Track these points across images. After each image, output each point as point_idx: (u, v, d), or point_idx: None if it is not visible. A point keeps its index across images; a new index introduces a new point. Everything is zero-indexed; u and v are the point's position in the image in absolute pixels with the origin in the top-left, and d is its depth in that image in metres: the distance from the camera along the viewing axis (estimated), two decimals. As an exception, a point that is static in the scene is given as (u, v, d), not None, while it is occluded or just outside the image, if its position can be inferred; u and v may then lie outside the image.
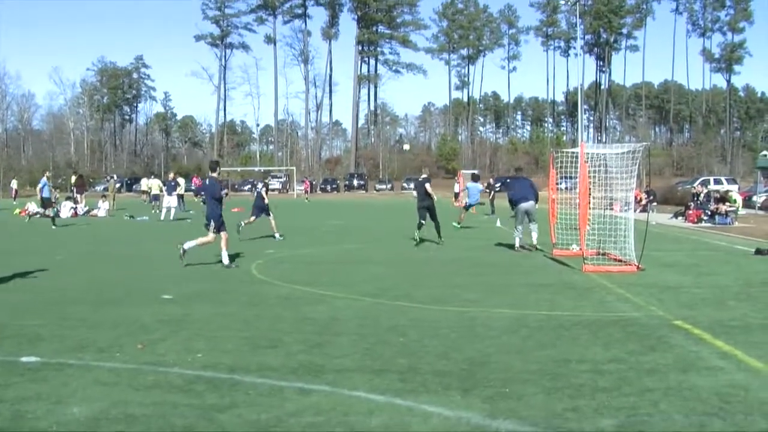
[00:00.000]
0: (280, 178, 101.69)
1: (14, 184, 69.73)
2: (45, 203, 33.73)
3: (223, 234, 17.51)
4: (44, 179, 33.94)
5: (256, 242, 23.42)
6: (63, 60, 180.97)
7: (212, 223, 17.54)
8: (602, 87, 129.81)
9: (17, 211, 42.84)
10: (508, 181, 21.14)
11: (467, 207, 31.45)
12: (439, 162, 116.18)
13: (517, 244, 20.69)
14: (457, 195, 54.51)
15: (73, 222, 34.85)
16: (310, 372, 7.66)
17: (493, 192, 45.40)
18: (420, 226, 22.86)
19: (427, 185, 22.93)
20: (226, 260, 17.34)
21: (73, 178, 48.91)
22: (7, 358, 8.23)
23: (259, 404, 6.58)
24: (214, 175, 18.17)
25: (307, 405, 6.58)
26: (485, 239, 24.87)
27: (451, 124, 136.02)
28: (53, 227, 29.83)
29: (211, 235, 17.55)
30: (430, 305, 11.88)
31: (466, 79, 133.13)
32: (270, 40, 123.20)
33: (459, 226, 29.31)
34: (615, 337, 9.39)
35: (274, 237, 24.07)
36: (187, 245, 17.37)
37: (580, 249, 18.02)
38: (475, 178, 34.90)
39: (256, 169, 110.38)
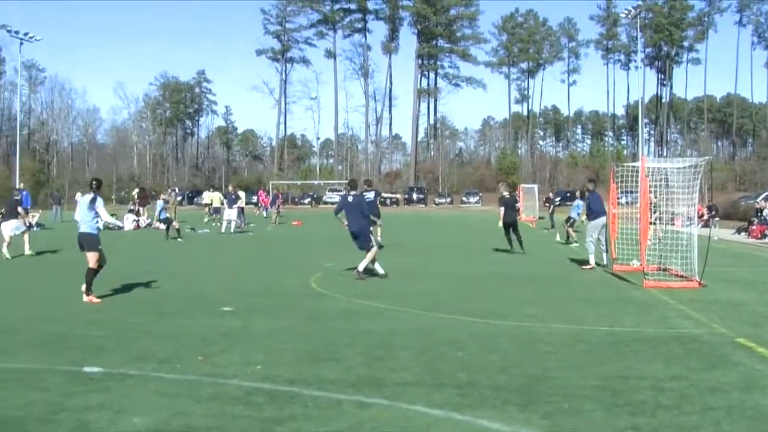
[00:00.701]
0: (340, 191, 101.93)
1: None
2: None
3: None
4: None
5: (316, 255, 23.51)
6: (127, 75, 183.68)
7: (371, 238, 17.91)
8: (663, 100, 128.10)
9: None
10: (588, 194, 20.47)
11: (570, 221, 30.89)
12: (499, 176, 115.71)
13: (592, 262, 20.04)
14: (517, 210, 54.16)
15: (135, 234, 35.31)
16: (369, 385, 7.66)
17: (552, 206, 45.10)
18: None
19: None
20: (374, 268, 17.75)
21: (136, 191, 49.53)
22: (71, 367, 8.35)
23: (318, 417, 6.59)
24: (354, 192, 18.40)
25: (365, 418, 6.57)
26: (544, 253, 24.69)
27: (510, 138, 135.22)
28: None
29: (374, 249, 17.79)
30: (488, 319, 11.81)
31: (525, 92, 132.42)
32: (330, 54, 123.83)
33: (566, 241, 29.30)
34: (676, 354, 9.26)
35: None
36: (361, 267, 17.47)
37: (641, 264, 17.78)
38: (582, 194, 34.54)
39: (316, 182, 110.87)
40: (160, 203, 34.95)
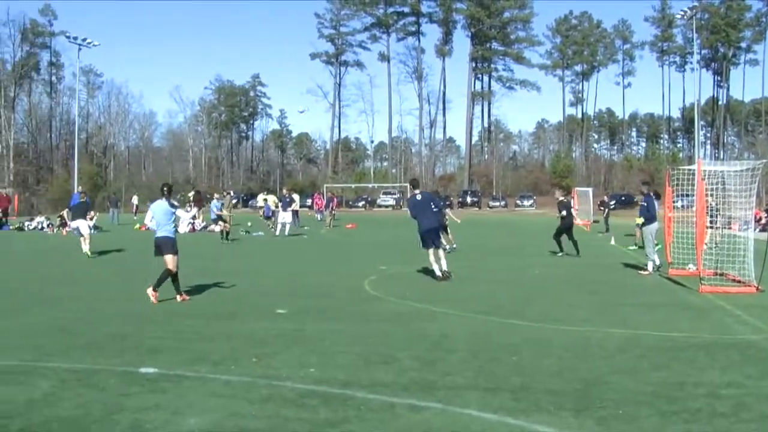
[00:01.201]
0: (394, 194, 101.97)
1: (135, 199, 71.59)
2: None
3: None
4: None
5: (370, 258, 23.56)
6: (183, 79, 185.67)
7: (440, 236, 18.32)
8: (720, 102, 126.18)
9: (137, 226, 44.05)
10: (644, 197, 20.12)
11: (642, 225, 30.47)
12: (553, 179, 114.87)
13: (650, 268, 19.58)
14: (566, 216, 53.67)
15: (190, 237, 35.64)
16: (422, 389, 7.65)
17: (607, 210, 44.68)
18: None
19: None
20: (439, 270, 17.75)
21: (192, 194, 50.01)
22: (128, 368, 8.46)
23: (371, 420, 6.60)
24: (417, 191, 18.43)
25: (418, 421, 6.57)
26: (598, 257, 24.48)
27: (565, 141, 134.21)
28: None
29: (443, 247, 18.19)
30: (542, 323, 11.74)
31: (580, 95, 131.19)
32: (384, 57, 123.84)
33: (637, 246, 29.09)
34: (733, 360, 9.12)
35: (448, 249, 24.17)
36: (444, 267, 17.72)
37: (697, 269, 17.54)
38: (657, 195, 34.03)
39: (370, 185, 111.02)
40: (215, 203, 35.27)
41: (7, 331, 10.84)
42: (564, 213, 24.83)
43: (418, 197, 18.19)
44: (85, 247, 25.00)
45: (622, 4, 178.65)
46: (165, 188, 14.76)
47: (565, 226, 24.81)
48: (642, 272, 19.52)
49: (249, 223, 43.56)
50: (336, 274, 19.07)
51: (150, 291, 13.92)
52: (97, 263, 22.34)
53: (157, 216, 14.42)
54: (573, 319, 12.20)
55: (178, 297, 14.14)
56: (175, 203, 14.49)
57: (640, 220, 20.02)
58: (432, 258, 17.88)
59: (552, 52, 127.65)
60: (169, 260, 14.18)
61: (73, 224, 26.36)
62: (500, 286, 16.98)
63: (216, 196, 38.15)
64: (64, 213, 42.28)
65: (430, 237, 17.93)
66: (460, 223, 26.42)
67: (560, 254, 24.53)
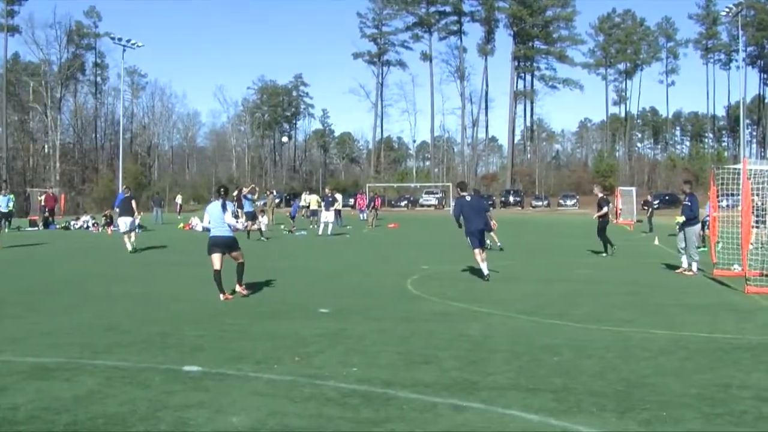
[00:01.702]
0: (436, 194, 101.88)
1: (179, 199, 72.27)
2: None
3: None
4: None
5: (412, 258, 23.57)
6: (226, 79, 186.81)
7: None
8: (766, 100, 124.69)
9: (181, 225, 44.42)
10: (686, 196, 19.83)
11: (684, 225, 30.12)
12: (596, 179, 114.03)
13: (694, 269, 19.45)
14: (607, 213, 53.22)
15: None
16: (464, 389, 7.65)
17: (651, 209, 44.33)
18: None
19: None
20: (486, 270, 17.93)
21: (235, 193, 50.30)
22: (172, 366, 8.54)
23: (413, 420, 6.60)
24: (465, 194, 18.47)
25: (460, 422, 6.57)
26: (641, 257, 24.29)
27: (608, 140, 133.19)
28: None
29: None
30: (584, 324, 11.68)
31: (623, 93, 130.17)
32: (426, 57, 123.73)
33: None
34: (780, 362, 9.02)
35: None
36: (486, 270, 17.83)
37: (743, 269, 17.33)
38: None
39: (412, 185, 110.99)
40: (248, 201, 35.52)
41: (57, 329, 10.98)
42: (605, 209, 24.83)
43: (467, 198, 18.33)
44: (129, 245, 26.01)
45: (666, 1, 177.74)
46: (222, 190, 15.32)
47: (604, 224, 24.83)
48: (686, 272, 19.33)
49: (281, 225, 43.65)
50: (378, 274, 19.10)
51: (239, 288, 14.83)
52: (141, 262, 22.55)
53: (212, 216, 14.86)
54: (615, 320, 12.13)
55: (237, 287, 14.80)
56: (228, 205, 14.92)
57: (681, 219, 19.81)
58: (479, 258, 17.96)
59: (595, 50, 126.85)
60: (237, 256, 14.88)
61: (119, 221, 27.34)
62: (542, 286, 16.91)
63: (245, 189, 38.23)
64: (110, 212, 42.91)
65: (478, 237, 18.09)
66: (499, 226, 26.28)
67: (605, 255, 24.39)
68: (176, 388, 7.60)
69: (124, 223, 26.77)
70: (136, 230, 28.35)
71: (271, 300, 14.32)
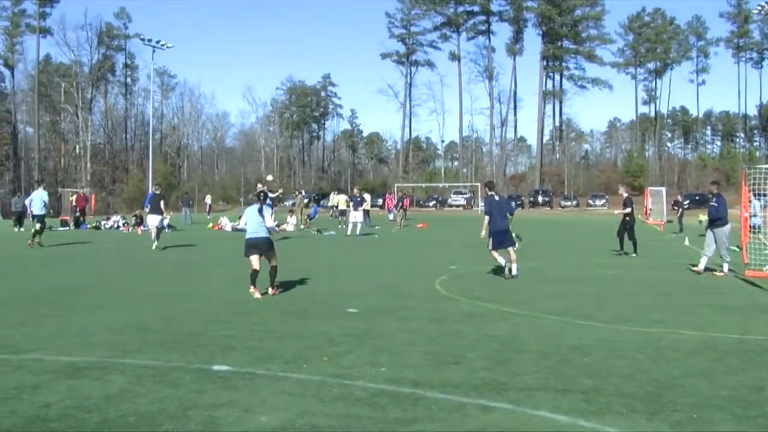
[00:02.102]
0: (465, 194, 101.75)
1: (208, 199, 72.62)
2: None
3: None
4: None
5: (440, 258, 23.55)
6: (255, 80, 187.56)
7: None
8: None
9: (210, 225, 44.63)
10: (713, 197, 19.61)
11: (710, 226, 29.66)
12: (625, 179, 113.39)
13: (726, 269, 19.21)
14: (632, 213, 52.78)
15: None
16: (493, 389, 7.64)
17: (681, 210, 44.04)
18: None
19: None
20: (508, 269, 18.16)
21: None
22: (201, 365, 8.58)
23: (441, 420, 6.60)
24: (493, 193, 18.98)
25: (488, 422, 6.56)
26: (671, 258, 24.13)
27: (637, 140, 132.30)
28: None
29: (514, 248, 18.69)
30: (614, 324, 11.62)
31: (653, 93, 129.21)
32: (454, 56, 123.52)
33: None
34: (813, 364, 8.93)
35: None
36: (515, 270, 18.06)
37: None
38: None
39: (441, 185, 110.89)
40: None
41: (88, 328, 11.06)
42: (629, 209, 24.84)
43: (496, 198, 18.73)
44: (154, 242, 26.87)
45: (696, 0, 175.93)
46: (261, 195, 16.03)
47: (631, 223, 24.81)
48: (716, 273, 19.15)
49: (302, 226, 43.68)
50: (406, 274, 19.10)
51: (271, 291, 15.09)
52: (170, 262, 22.68)
53: (249, 218, 15.37)
54: (645, 321, 12.06)
55: (252, 288, 14.80)
56: (265, 207, 15.44)
57: (704, 218, 19.61)
58: (499, 257, 18.28)
59: (624, 49, 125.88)
60: (271, 257, 15.35)
61: (148, 219, 28.21)
62: (571, 286, 16.84)
63: (259, 185, 38.43)
64: (140, 212, 43.22)
65: (502, 237, 18.37)
66: (527, 226, 26.29)
67: (635, 255, 24.28)
68: (206, 388, 7.64)
69: (153, 220, 27.41)
70: (165, 230, 28.80)
71: (299, 299, 14.37)
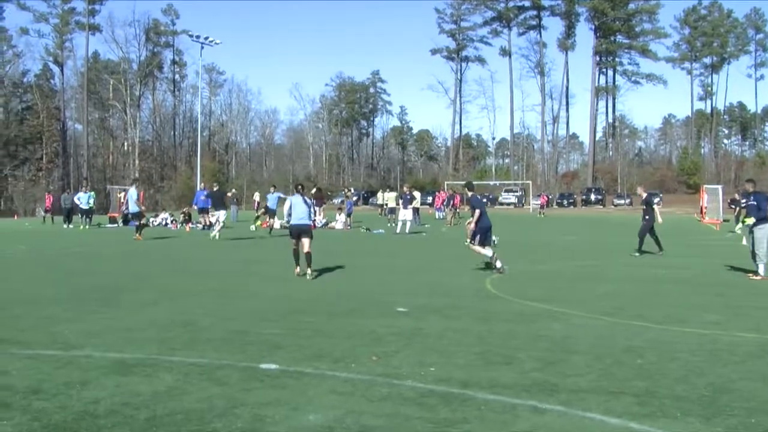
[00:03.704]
0: (516, 192, 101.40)
1: (257, 196, 72.88)
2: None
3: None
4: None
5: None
6: (303, 76, 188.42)
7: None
8: None
9: (259, 223, 44.86)
10: (751, 195, 19.11)
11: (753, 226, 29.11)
12: (680, 177, 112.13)
13: (761, 271, 18.37)
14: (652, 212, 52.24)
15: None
16: (544, 391, 7.60)
17: (738, 208, 43.47)
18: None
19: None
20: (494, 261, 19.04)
21: (313, 191, 50.60)
22: (249, 364, 8.64)
23: (491, 421, 6.58)
24: (473, 192, 20.77)
25: (539, 424, 6.52)
26: (727, 258, 23.76)
27: (693, 137, 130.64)
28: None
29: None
30: (668, 325, 11.50)
31: (709, 88, 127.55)
32: (505, 52, 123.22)
33: None
34: None
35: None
36: (499, 263, 18.85)
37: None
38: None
39: (491, 183, 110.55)
40: (272, 196, 36.78)
41: (135, 325, 11.19)
42: (652, 208, 24.79)
43: (478, 196, 20.34)
44: (217, 233, 30.62)
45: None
46: (299, 186, 19.04)
47: (651, 223, 24.62)
48: (754, 277, 18.59)
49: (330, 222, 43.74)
50: (456, 273, 19.05)
51: (309, 275, 17.59)
52: (217, 259, 22.88)
53: (295, 207, 18.03)
54: (700, 322, 11.92)
55: (308, 273, 17.61)
56: (306, 200, 18.25)
57: (751, 221, 19.00)
58: (483, 250, 19.34)
59: (680, 44, 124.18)
60: (307, 243, 17.80)
61: (217, 213, 32.01)
62: (624, 285, 16.69)
63: (273, 188, 39.60)
64: (188, 209, 43.71)
65: (487, 234, 19.56)
66: (579, 224, 26.19)
67: (660, 253, 24.06)
68: (254, 386, 7.70)
69: (219, 214, 31.67)
70: (219, 224, 30.46)
71: (348, 297, 14.41)
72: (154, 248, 27.67)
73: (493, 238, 19.97)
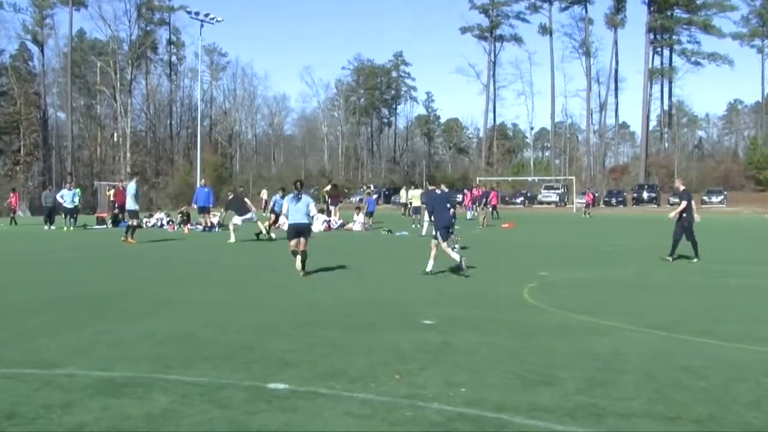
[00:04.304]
0: (558, 189, 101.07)
1: (264, 194, 72.96)
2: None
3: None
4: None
5: (529, 262, 23.44)
6: (316, 58, 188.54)
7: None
8: None
9: (267, 223, 44.92)
10: None
11: None
12: (748, 171, 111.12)
13: None
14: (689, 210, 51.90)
15: (326, 236, 36.12)
16: (590, 415, 7.56)
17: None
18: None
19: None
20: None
21: (328, 188, 50.53)
22: (255, 383, 8.64)
23: (530, 449, 6.57)
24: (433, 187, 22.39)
25: (585, 453, 6.51)
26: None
27: (764, 125, 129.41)
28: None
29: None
30: (736, 343, 11.42)
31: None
32: (545, 30, 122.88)
33: None
34: None
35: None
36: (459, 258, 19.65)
37: None
38: None
39: (530, 179, 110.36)
40: (277, 198, 36.95)
41: (126, 339, 11.21)
42: (683, 204, 24.56)
43: (438, 192, 21.36)
44: (232, 238, 32.26)
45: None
46: (298, 183, 20.34)
47: (688, 222, 24.45)
48: None
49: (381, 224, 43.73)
50: (489, 281, 19.05)
51: (301, 274, 19.21)
52: (220, 265, 22.96)
53: (291, 208, 19.68)
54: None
55: (301, 273, 19.23)
56: (304, 196, 19.83)
57: None
58: (435, 249, 20.15)
59: (749, 18, 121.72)
60: (303, 243, 19.55)
61: (235, 219, 33.54)
62: (681, 296, 16.64)
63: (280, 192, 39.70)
64: (186, 208, 43.87)
65: (446, 232, 20.34)
66: (629, 225, 26.10)
67: (695, 260, 23.91)
68: (260, 408, 7.70)
69: (240, 219, 33.32)
70: (214, 230, 31.24)
71: (366, 309, 14.42)
72: (149, 252, 27.78)
73: (458, 238, 20.61)
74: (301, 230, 19.68)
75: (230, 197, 35.64)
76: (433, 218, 21.00)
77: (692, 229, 24.56)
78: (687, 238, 24.54)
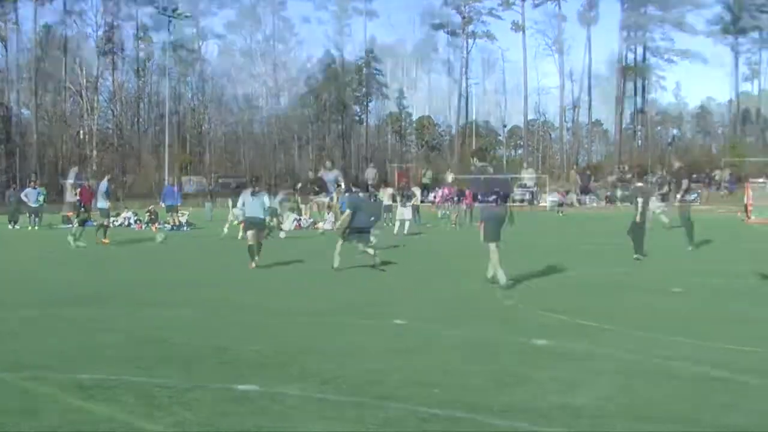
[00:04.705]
0: (530, 187, 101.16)
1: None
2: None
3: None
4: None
5: (506, 261, 23.49)
6: (286, 55, 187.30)
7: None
8: None
9: (236, 222, 44.72)
10: None
11: None
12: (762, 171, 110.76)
13: None
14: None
15: (296, 235, 36.00)
16: (564, 416, 7.57)
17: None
18: None
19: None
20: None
21: (299, 186, 50.20)
22: (226, 384, 8.60)
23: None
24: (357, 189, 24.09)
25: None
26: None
27: (738, 123, 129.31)
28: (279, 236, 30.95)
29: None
30: (713, 342, 11.47)
31: (756, 67, 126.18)
32: (518, 27, 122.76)
33: None
34: None
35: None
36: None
37: None
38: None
39: (502, 176, 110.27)
40: (279, 198, 36.79)
41: (96, 342, 11.14)
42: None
43: (361, 195, 23.61)
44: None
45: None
46: (253, 180, 23.92)
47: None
48: None
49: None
50: (463, 279, 19.05)
51: (252, 265, 20.80)
52: (192, 266, 22.90)
53: (247, 202, 22.25)
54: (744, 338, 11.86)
55: (251, 264, 20.90)
56: (260, 194, 22.63)
57: None
58: (369, 250, 21.05)
59: (723, 15, 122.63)
60: (253, 236, 21.48)
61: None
62: (664, 297, 16.56)
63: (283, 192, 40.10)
64: (154, 207, 43.72)
65: (365, 233, 21.54)
66: (598, 221, 26.11)
67: (636, 256, 23.71)
68: (229, 410, 7.68)
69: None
70: (183, 228, 30.93)
71: (340, 309, 14.43)
72: (119, 252, 27.67)
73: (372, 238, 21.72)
74: (256, 223, 21.91)
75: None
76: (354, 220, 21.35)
77: (645, 224, 24.32)
78: (629, 232, 24.41)
